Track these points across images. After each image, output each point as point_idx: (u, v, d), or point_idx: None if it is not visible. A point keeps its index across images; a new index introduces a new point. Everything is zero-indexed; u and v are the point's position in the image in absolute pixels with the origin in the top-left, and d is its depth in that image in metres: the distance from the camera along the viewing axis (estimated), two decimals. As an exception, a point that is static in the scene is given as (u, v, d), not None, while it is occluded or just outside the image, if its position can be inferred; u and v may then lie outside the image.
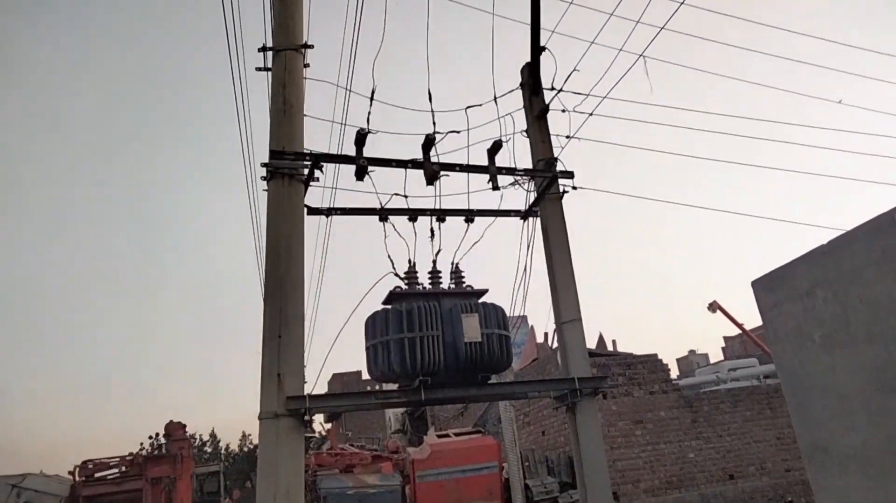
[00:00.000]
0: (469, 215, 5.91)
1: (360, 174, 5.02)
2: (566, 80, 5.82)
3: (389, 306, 5.07)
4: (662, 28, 4.93)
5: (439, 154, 5.80)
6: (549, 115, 6.40)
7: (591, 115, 5.72)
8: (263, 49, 5.43)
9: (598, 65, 6.61)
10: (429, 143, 5.20)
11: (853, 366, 4.31)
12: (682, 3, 4.72)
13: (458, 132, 5.97)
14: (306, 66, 5.60)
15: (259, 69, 5.52)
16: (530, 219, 6.07)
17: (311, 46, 5.47)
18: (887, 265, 4.34)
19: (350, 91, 5.62)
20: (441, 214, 5.85)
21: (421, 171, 5.56)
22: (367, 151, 5.34)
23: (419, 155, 5.57)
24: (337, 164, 5.22)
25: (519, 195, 6.30)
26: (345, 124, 5.67)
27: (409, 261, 5.27)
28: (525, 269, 6.06)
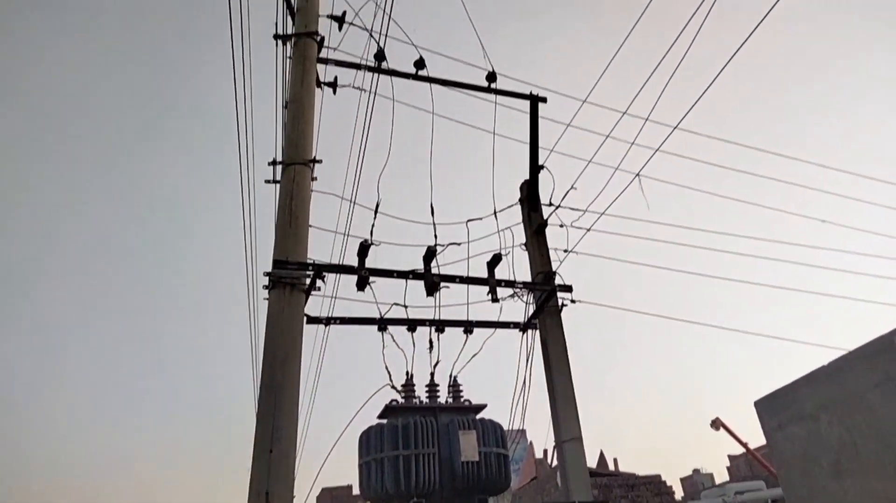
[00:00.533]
0: (468, 326, 5.91)
1: (362, 285, 5.07)
2: (563, 198, 6.02)
3: (385, 420, 4.94)
4: (657, 150, 5.16)
5: (440, 265, 5.89)
6: (548, 230, 6.56)
7: (588, 230, 5.86)
8: (273, 163, 5.65)
9: (596, 181, 6.86)
10: (430, 254, 5.30)
11: (865, 496, 4.15)
12: (675, 128, 4.98)
13: (458, 244, 6.09)
14: (314, 179, 5.81)
15: (268, 181, 5.72)
16: (529, 331, 6.06)
17: (320, 161, 5.69)
18: (890, 388, 4.29)
19: (354, 203, 5.79)
20: (440, 325, 5.85)
21: (421, 282, 5.63)
22: (369, 260, 5.43)
23: (420, 265, 5.66)
24: (338, 275, 5.27)
25: (518, 307, 6.34)
26: (348, 235, 5.80)
27: (407, 373, 5.21)
28: (524, 383, 5.98)
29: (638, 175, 5.32)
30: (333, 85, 7.20)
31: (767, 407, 5.51)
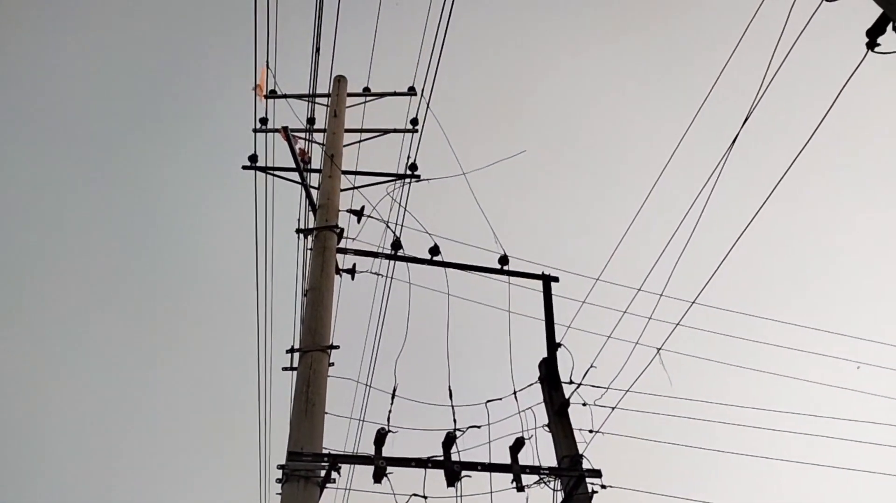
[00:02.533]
0: (493, 519, 5.52)
1: (379, 476, 4.84)
2: (584, 376, 5.94)
3: None
4: (676, 325, 5.17)
5: (460, 451, 5.66)
6: (572, 409, 6.37)
7: (613, 409, 5.68)
8: (291, 350, 5.71)
9: (616, 356, 6.78)
10: (449, 440, 5.11)
11: None
12: (693, 303, 5.02)
13: (478, 427, 5.91)
14: (331, 364, 5.82)
15: (286, 369, 5.73)
16: (559, 522, 5.62)
17: (337, 347, 5.74)
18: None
19: (370, 387, 5.74)
20: (463, 518, 5.47)
21: (441, 471, 5.37)
22: (386, 448, 5.23)
23: (438, 451, 5.44)
24: (354, 465, 5.07)
25: (546, 494, 5.96)
26: (363, 421, 5.66)
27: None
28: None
29: (659, 350, 5.28)
30: (352, 272, 7.50)
31: None
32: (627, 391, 5.52)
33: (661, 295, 5.18)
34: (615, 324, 5.85)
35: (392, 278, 8.30)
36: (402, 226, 7.96)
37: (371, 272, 7.49)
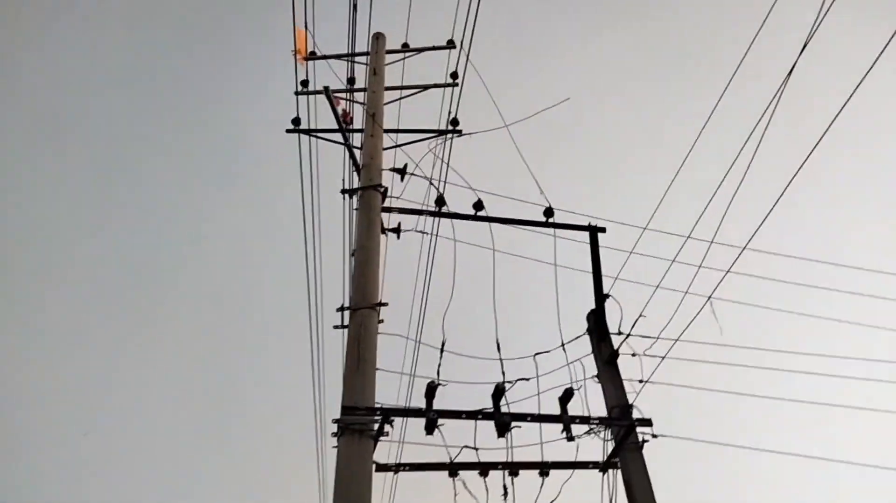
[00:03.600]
0: (544, 468, 5.62)
1: (430, 428, 4.97)
2: (633, 326, 5.89)
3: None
4: (727, 272, 5.05)
5: (509, 403, 5.74)
6: (621, 360, 6.35)
7: (663, 359, 5.64)
8: (341, 309, 5.84)
9: (666, 305, 6.69)
10: (498, 392, 5.19)
11: None
12: (744, 248, 4.89)
13: (527, 380, 5.97)
14: (380, 321, 5.94)
15: (336, 327, 5.88)
16: (611, 471, 5.68)
17: (386, 304, 5.85)
18: None
19: (420, 343, 5.84)
20: (514, 468, 5.59)
21: (491, 422, 5.47)
22: (437, 402, 5.36)
23: (488, 404, 5.53)
24: (406, 419, 5.21)
25: (596, 444, 6.00)
26: (413, 376, 5.79)
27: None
28: (611, 529, 5.51)
29: (709, 299, 5.18)
30: (397, 230, 7.55)
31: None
32: (677, 340, 5.45)
33: (711, 242, 5.05)
34: (664, 273, 5.75)
35: (437, 236, 8.34)
36: (445, 182, 7.95)
37: (416, 230, 7.54)
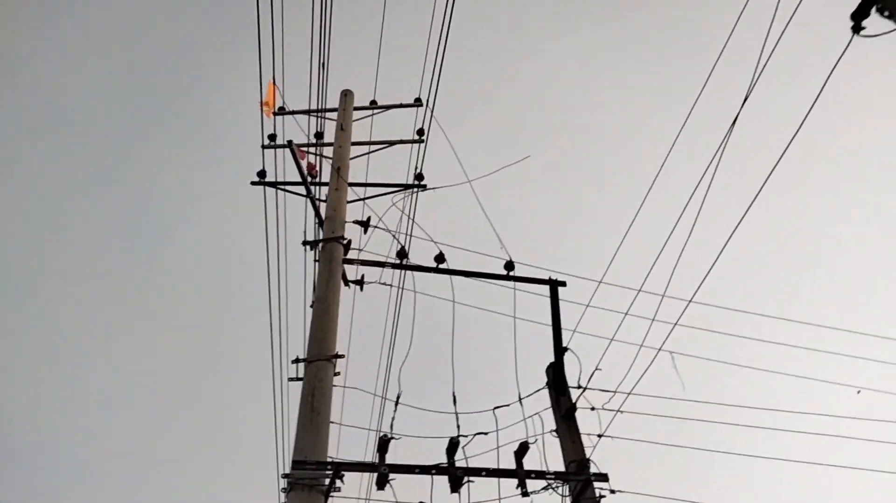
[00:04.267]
0: (503, 525, 5.50)
1: (381, 483, 4.87)
2: (590, 379, 5.91)
3: None
4: (675, 325, 5.12)
5: (467, 457, 5.66)
6: (581, 414, 6.33)
7: (617, 412, 5.64)
8: (297, 361, 5.78)
9: (626, 359, 6.72)
10: (452, 447, 5.12)
11: None
12: (689, 302, 4.98)
13: (486, 433, 5.91)
14: (336, 374, 5.88)
15: (291, 379, 5.80)
16: (569, 528, 5.58)
17: (342, 356, 5.80)
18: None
19: (376, 395, 5.77)
20: (472, 525, 5.47)
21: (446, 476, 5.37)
22: (392, 456, 5.27)
23: (446, 458, 5.44)
24: (360, 473, 5.10)
25: (556, 500, 5.91)
26: (370, 429, 5.70)
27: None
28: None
29: (659, 351, 5.23)
30: (361, 282, 7.56)
31: None
32: (629, 394, 5.48)
33: (662, 295, 5.14)
34: (617, 326, 5.81)
35: (401, 288, 8.37)
36: (409, 235, 8.04)
37: (380, 282, 7.56)
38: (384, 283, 7.54)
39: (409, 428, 6.49)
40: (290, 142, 6.95)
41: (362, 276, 7.59)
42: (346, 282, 7.55)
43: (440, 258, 6.81)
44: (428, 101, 8.50)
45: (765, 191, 4.45)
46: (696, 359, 7.47)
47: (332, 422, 5.54)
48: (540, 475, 5.29)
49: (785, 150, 4.26)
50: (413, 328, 6.26)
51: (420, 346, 7.68)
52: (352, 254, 7.21)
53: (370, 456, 7.46)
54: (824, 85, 3.71)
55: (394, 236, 7.00)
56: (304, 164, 7.53)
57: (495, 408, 6.20)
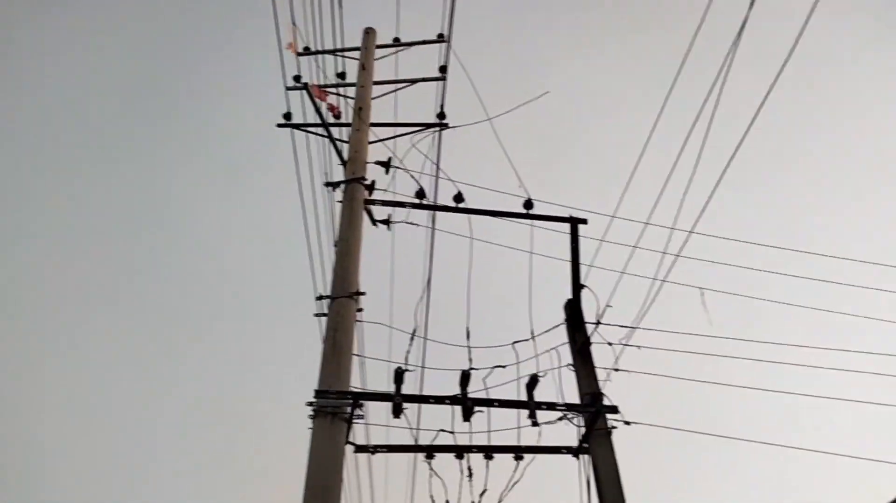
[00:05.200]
0: (518, 452, 5.78)
1: (397, 411, 5.16)
2: (602, 314, 5.99)
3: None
4: (677, 256, 5.12)
5: (488, 388, 5.91)
6: (600, 349, 6.46)
7: (625, 346, 5.74)
8: (320, 297, 6.05)
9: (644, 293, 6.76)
10: (465, 378, 5.35)
11: None
12: (691, 233, 4.96)
13: (503, 367, 6.12)
14: (360, 310, 6.14)
15: (316, 315, 6.09)
16: (583, 456, 5.81)
17: (363, 293, 6.04)
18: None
19: (395, 329, 6.03)
20: (489, 451, 5.76)
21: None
22: (415, 387, 5.57)
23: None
24: (380, 402, 5.40)
25: (573, 430, 6.14)
26: (390, 361, 5.97)
27: (447, 503, 5.11)
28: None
29: (664, 282, 5.26)
30: (388, 222, 7.73)
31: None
32: (636, 328, 5.55)
33: (672, 228, 5.13)
34: (626, 260, 5.84)
35: (431, 228, 8.51)
36: (434, 174, 8.11)
37: (406, 222, 7.71)
38: (411, 223, 7.69)
39: (434, 363, 6.77)
40: (305, 84, 7.02)
41: (389, 216, 7.75)
42: (374, 222, 7.73)
43: (458, 198, 6.88)
44: (448, 35, 8.39)
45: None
46: (727, 296, 7.44)
47: (355, 355, 5.84)
48: (551, 406, 5.50)
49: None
50: (431, 266, 6.44)
51: (444, 284, 7.87)
52: (376, 195, 7.36)
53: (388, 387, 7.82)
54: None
55: (412, 176, 7.10)
56: (324, 105, 7.61)
57: (514, 342, 6.40)
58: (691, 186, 4.82)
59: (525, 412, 5.85)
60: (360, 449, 5.62)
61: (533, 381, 5.55)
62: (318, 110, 7.24)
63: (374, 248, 8.26)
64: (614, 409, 5.55)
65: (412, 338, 5.59)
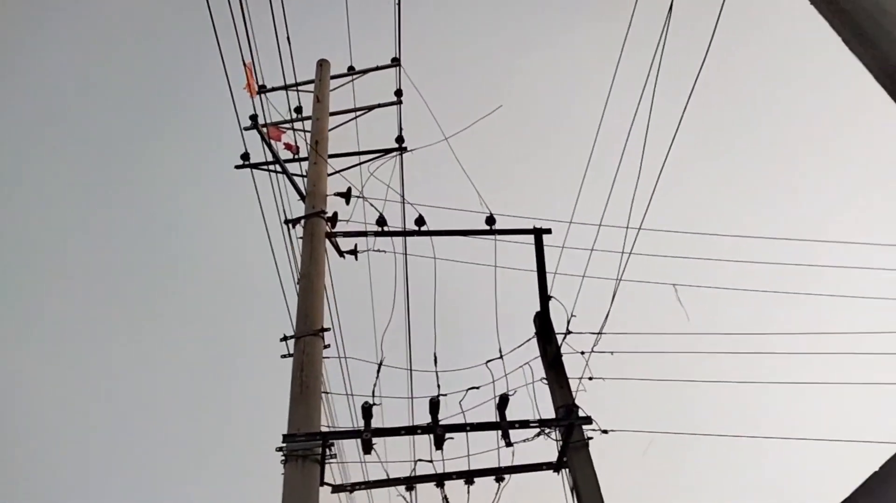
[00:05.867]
0: (498, 474, 5.72)
1: (367, 447, 5.11)
2: (568, 324, 5.96)
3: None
4: (630, 254, 5.10)
5: (465, 412, 5.86)
6: (571, 359, 6.42)
7: (590, 353, 5.70)
8: (285, 338, 6.01)
9: (621, 301, 6.73)
10: (434, 407, 5.30)
11: None
12: (639, 230, 4.93)
13: (477, 388, 6.08)
14: (326, 346, 6.10)
15: (283, 356, 6.05)
16: (565, 470, 5.75)
17: (328, 329, 6.00)
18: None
19: (365, 362, 5.98)
20: (469, 476, 5.71)
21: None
22: (410, 418, 5.52)
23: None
24: (351, 440, 5.35)
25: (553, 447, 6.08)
26: (365, 396, 5.92)
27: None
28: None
29: (619, 280, 5.23)
30: (354, 252, 7.72)
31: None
32: (602, 334, 5.51)
33: (626, 227, 5.11)
34: (585, 265, 5.81)
35: (402, 254, 8.47)
36: (398, 199, 8.09)
37: (374, 250, 7.69)
38: (379, 250, 7.67)
39: (406, 392, 6.70)
40: (254, 120, 7.01)
41: (355, 246, 7.73)
42: (341, 254, 7.71)
43: (420, 221, 6.86)
44: (399, 58, 8.42)
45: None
46: (700, 292, 7.40)
47: (325, 393, 5.79)
48: (524, 424, 5.44)
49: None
50: (395, 293, 6.40)
51: (415, 310, 7.83)
52: (340, 226, 7.34)
53: (382, 422, 7.76)
54: None
55: (371, 204, 7.07)
56: (281, 142, 7.62)
57: (488, 361, 6.35)
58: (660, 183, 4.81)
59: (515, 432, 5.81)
60: (336, 489, 5.56)
61: (503, 401, 5.50)
62: (271, 149, 7.23)
63: (342, 282, 8.22)
64: (588, 420, 5.49)
65: (378, 370, 5.55)
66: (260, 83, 8.82)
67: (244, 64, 7.76)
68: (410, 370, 7.18)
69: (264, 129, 7.24)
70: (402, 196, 8.27)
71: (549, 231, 7.01)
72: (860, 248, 7.17)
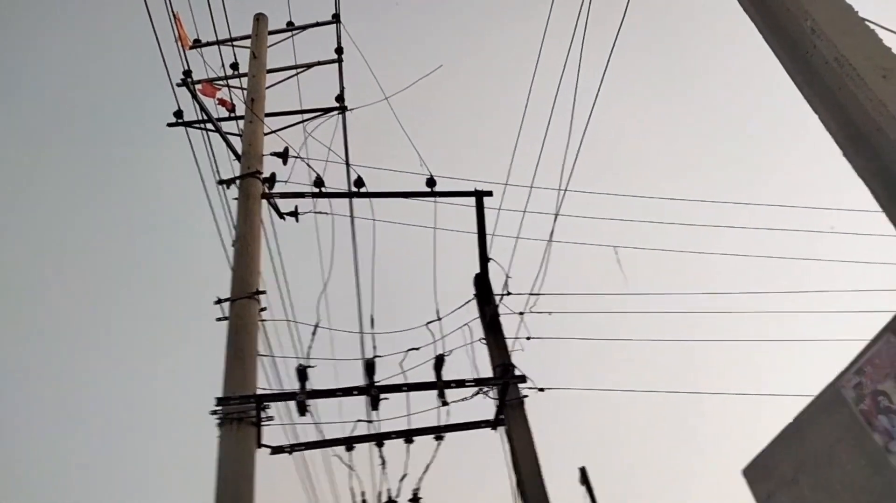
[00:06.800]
0: (437, 432, 5.79)
1: (301, 409, 5.09)
2: (504, 285, 6.02)
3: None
4: (557, 215, 5.14)
5: (405, 372, 5.90)
6: (516, 318, 6.50)
7: (524, 314, 5.78)
8: (219, 301, 5.88)
9: (561, 261, 6.81)
10: (369, 367, 5.30)
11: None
12: (566, 191, 4.96)
13: (418, 349, 6.10)
14: (263, 309, 5.99)
15: (219, 319, 5.93)
16: (501, 428, 5.87)
17: (263, 292, 5.89)
18: (851, 441, 3.90)
19: (302, 324, 5.92)
20: (408, 435, 5.76)
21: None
22: (329, 380, 5.49)
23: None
24: (285, 402, 5.32)
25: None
26: (300, 358, 5.87)
27: (362, 494, 5.10)
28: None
29: (550, 242, 5.30)
30: (295, 213, 7.57)
31: (754, 475, 5.03)
32: (537, 294, 5.59)
33: (564, 190, 5.14)
34: (518, 227, 5.85)
35: (350, 216, 8.35)
36: (340, 160, 7.94)
37: (315, 212, 7.56)
38: (320, 212, 7.54)
39: (352, 354, 6.69)
40: (187, 75, 6.71)
41: (296, 208, 7.58)
42: (281, 215, 7.55)
43: (359, 182, 6.76)
44: (339, 13, 8.16)
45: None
46: (639, 254, 7.56)
47: (261, 356, 5.72)
48: (460, 384, 5.50)
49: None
50: (333, 255, 6.33)
51: (363, 273, 7.77)
52: (278, 187, 7.16)
53: (326, 383, 7.74)
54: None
55: (308, 165, 6.92)
56: (216, 100, 7.33)
57: (428, 323, 6.37)
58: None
59: (449, 391, 5.87)
60: (276, 450, 5.54)
61: (439, 362, 5.55)
62: (203, 107, 6.95)
63: (288, 243, 8.08)
64: (522, 379, 5.59)
65: (314, 333, 5.50)
66: (194, 38, 8.44)
67: (174, 15, 7.39)
68: (362, 332, 7.16)
69: (196, 87, 6.94)
70: (347, 157, 8.14)
71: (490, 193, 7.01)
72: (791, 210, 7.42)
